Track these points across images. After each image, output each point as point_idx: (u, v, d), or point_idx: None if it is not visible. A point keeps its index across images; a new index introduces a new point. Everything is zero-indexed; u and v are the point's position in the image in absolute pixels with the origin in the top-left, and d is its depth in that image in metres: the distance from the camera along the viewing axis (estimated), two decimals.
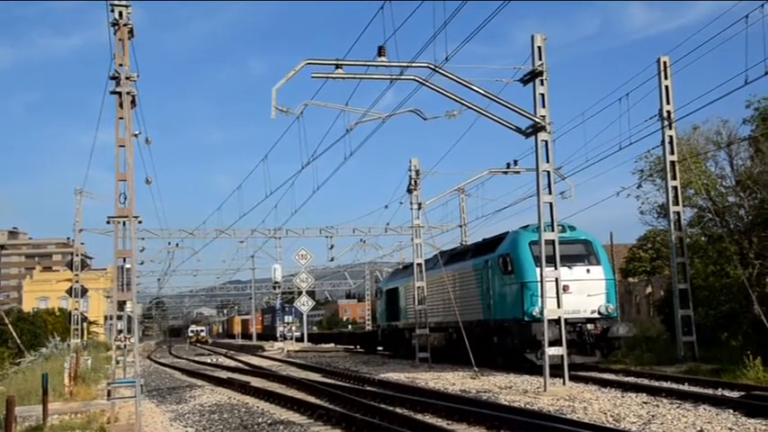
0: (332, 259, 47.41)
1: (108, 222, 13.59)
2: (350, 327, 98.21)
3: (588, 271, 21.68)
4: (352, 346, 45.98)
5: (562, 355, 16.81)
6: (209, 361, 40.58)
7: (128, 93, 12.88)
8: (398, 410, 14.04)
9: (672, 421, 11.56)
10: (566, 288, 19.12)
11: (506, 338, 22.38)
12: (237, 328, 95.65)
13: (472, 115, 18.02)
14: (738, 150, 25.46)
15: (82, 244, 41.45)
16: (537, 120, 17.17)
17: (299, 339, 53.88)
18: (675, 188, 23.66)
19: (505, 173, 30.40)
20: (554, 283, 17.18)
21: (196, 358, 45.87)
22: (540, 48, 17.26)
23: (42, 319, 51.36)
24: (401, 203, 31.61)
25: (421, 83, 17.32)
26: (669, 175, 23.57)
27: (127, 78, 12.88)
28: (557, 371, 16.90)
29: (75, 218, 38.70)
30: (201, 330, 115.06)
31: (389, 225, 42.68)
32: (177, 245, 44.62)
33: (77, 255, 39.93)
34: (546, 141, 17.38)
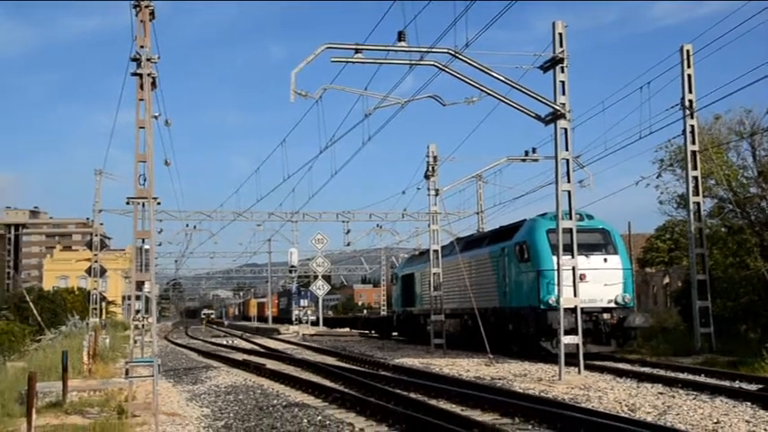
0: (348, 244, 47.56)
1: (127, 203, 13.66)
2: (365, 312, 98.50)
3: (605, 260, 21.59)
4: (367, 331, 46.13)
5: (577, 344, 16.78)
6: (224, 343, 40.90)
7: (148, 74, 12.91)
8: (413, 395, 14.08)
9: (688, 412, 11.52)
10: (582, 277, 19.07)
11: (522, 326, 22.37)
12: (253, 311, 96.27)
13: (491, 102, 17.94)
14: (761, 141, 25.18)
15: (101, 224, 41.93)
16: (557, 107, 17.05)
17: (315, 323, 54.12)
18: (696, 178, 23.45)
19: (524, 160, 30.26)
20: (571, 272, 17.12)
21: (212, 340, 46.25)
22: (560, 35, 17.12)
23: (62, 297, 51.98)
24: (418, 189, 31.61)
25: (440, 68, 17.24)
26: (690, 165, 23.36)
27: (148, 60, 12.90)
28: (572, 360, 16.87)
29: (95, 198, 39.03)
30: (212, 313, 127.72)
31: (406, 211, 42.66)
32: (195, 227, 44.87)
33: (97, 235, 40.38)
34: (565, 129, 17.27)
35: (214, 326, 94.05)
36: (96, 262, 39.70)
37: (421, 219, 42.02)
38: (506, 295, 23.58)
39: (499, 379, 17.01)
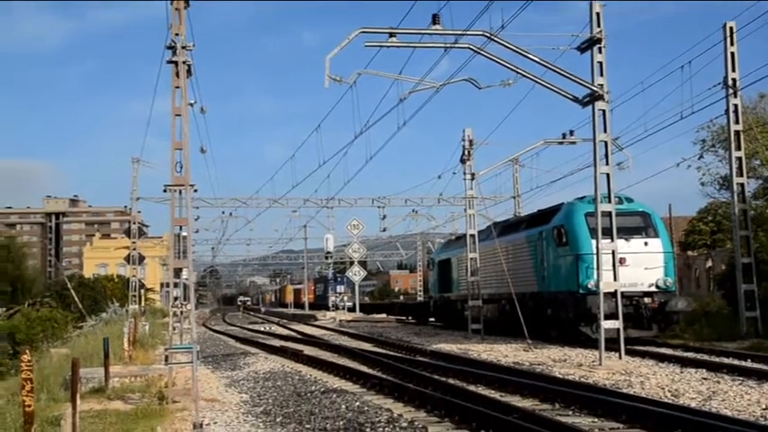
0: (384, 229, 47.43)
1: (164, 190, 13.78)
2: (401, 297, 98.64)
3: (646, 243, 21.31)
4: (403, 317, 46.24)
5: (618, 329, 16.60)
6: (262, 329, 41.32)
7: (184, 62, 12.98)
8: (451, 381, 14.08)
9: (734, 398, 11.32)
10: (622, 261, 18.83)
11: (560, 311, 22.22)
12: (290, 298, 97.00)
13: (527, 84, 17.75)
14: None
15: (139, 212, 42.58)
16: (594, 88, 16.80)
17: (351, 309, 54.40)
18: (740, 159, 22.97)
19: (561, 143, 29.91)
20: (610, 256, 16.92)
21: (249, 326, 46.74)
22: (597, 14, 16.83)
23: (102, 284, 52.97)
24: (454, 174, 31.44)
25: (476, 51, 17.07)
26: (733, 146, 22.88)
27: (183, 48, 12.97)
28: (612, 345, 16.71)
29: (133, 186, 39.53)
30: (248, 300, 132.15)
31: (442, 196, 42.38)
32: (231, 214, 45.27)
33: (135, 223, 40.93)
34: (603, 111, 17.01)
35: (251, 312, 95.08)
36: (135, 249, 40.31)
37: (457, 203, 41.74)
38: (545, 280, 23.44)
39: (538, 364, 16.92)
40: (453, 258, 34.08)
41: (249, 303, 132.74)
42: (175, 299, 15.27)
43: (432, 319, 38.98)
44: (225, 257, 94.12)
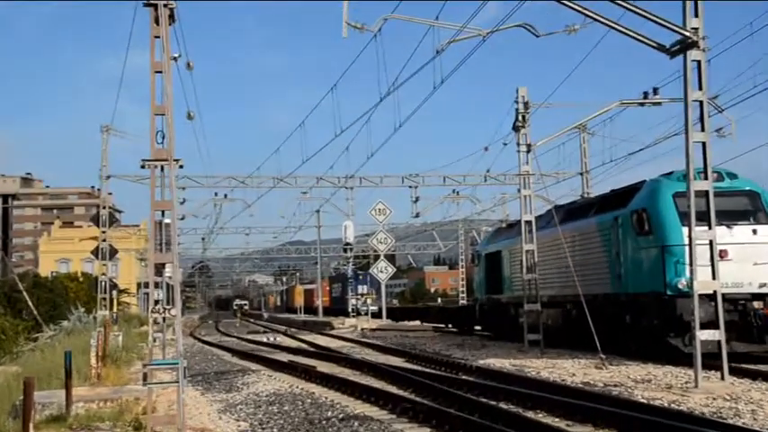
0: (417, 215, 47.59)
1: (142, 167, 13.84)
2: (439, 300, 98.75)
3: (755, 232, 21.04)
4: (442, 325, 46.25)
5: (719, 342, 16.41)
6: (264, 340, 41.56)
7: (165, 5, 12.98)
8: (503, 406, 14.04)
9: None
10: (723, 254, 18.62)
11: (642, 317, 22.07)
12: (299, 301, 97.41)
13: (598, 31, 17.53)
14: None
15: (110, 194, 42.74)
16: (687, 33, 16.51)
17: (376, 315, 54.51)
18: None
19: (642, 104, 29.52)
20: (707, 248, 16.72)
21: (249, 337, 47.04)
22: None
23: (63, 285, 53.27)
24: (505, 145, 31.29)
25: None
26: None
27: None
28: (711, 361, 16.53)
29: (102, 162, 39.73)
30: (246, 303, 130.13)
31: (489, 172, 42.38)
32: (226, 196, 45.64)
33: (105, 207, 40.88)
34: (698, 62, 16.72)
35: (251, 319, 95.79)
36: (105, 241, 40.40)
37: (508, 182, 41.63)
38: (621, 278, 23.29)
39: (614, 386, 16.81)
40: (504, 251, 33.98)
41: (247, 308, 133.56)
42: (156, 302, 15.33)
43: (478, 328, 38.94)
44: (218, 251, 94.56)
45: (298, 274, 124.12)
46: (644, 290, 22.03)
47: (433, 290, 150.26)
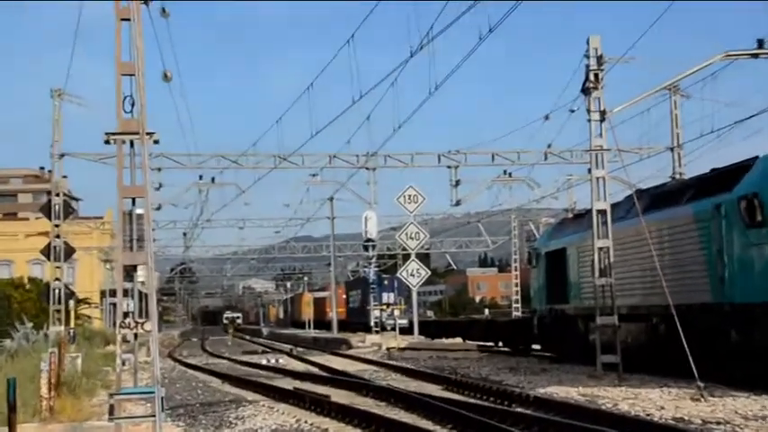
0: (457, 203, 47.51)
1: (107, 142, 13.88)
2: (486, 312, 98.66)
3: None
4: (490, 343, 46.13)
5: None
6: (264, 362, 41.61)
7: None
8: None
9: None
10: None
11: (753, 334, 21.90)
12: (308, 312, 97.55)
13: None
14: None
15: (64, 177, 42.33)
16: None
17: (406, 330, 54.44)
18: None
19: (755, 57, 29.01)
20: None
21: (244, 358, 47.14)
22: None
23: (4, 294, 53.09)
24: (572, 112, 31.06)
25: None
26: None
27: None
28: None
29: (54, 136, 39.50)
30: (238, 316, 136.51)
31: (551, 149, 42.25)
32: (213, 180, 45.67)
33: (58, 194, 40.46)
34: None
35: (246, 336, 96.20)
36: (58, 237, 40.02)
37: (576, 161, 41.55)
38: (724, 283, 23.11)
39: (717, 423, 16.68)
40: (570, 249, 33.81)
41: (241, 322, 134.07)
42: (126, 315, 15.36)
43: (536, 347, 38.81)
44: (204, 249, 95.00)
45: (306, 278, 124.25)
46: (755, 298, 21.80)
47: (478, 298, 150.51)
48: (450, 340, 50.21)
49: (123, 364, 17.24)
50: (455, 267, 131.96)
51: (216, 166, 43.18)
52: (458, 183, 43.97)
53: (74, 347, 32.75)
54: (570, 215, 42.75)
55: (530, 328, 39.02)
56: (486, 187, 49.17)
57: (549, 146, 41.34)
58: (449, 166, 43.55)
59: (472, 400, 21.48)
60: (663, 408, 18.99)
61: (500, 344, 44.89)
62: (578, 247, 32.63)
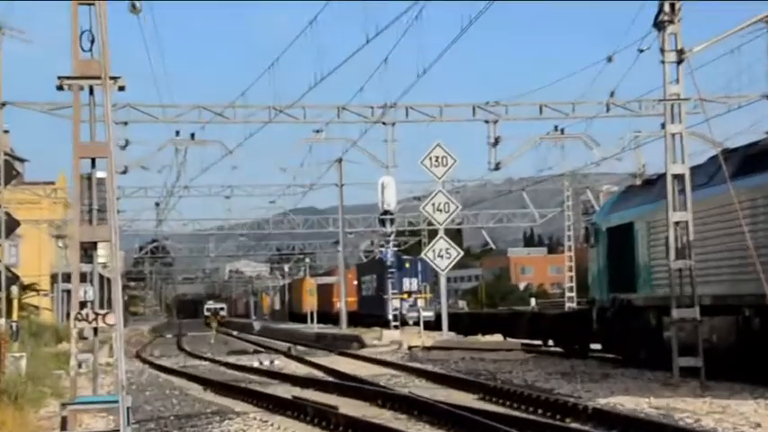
0: (496, 167, 47.35)
1: (59, 88, 13.80)
2: (533, 302, 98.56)
3: None
4: (537, 342, 46.17)
5: None
6: (255, 365, 41.67)
7: None
8: None
9: None
10: None
11: None
12: (310, 303, 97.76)
13: None
14: None
15: (6, 132, 42.51)
16: None
17: (433, 325, 54.51)
18: None
19: None
20: None
21: (231, 360, 47.23)
22: None
23: None
24: (641, 52, 30.79)
25: None
26: None
27: None
28: None
29: None
30: (222, 308, 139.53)
31: (613, 99, 42.01)
32: (193, 137, 45.60)
33: None
34: None
35: (233, 332, 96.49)
36: None
37: (646, 113, 41.33)
38: None
39: None
40: (638, 223, 33.65)
41: (225, 314, 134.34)
42: (83, 305, 15.32)
43: (596, 346, 38.75)
44: (182, 223, 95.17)
45: (307, 260, 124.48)
46: None
47: (522, 286, 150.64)
48: (488, 338, 50.27)
49: (80, 366, 17.24)
50: (494, 247, 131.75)
51: (196, 119, 43.17)
52: (497, 141, 43.88)
53: (17, 346, 32.73)
54: (638, 181, 42.62)
55: (587, 322, 38.91)
56: (532, 147, 49.05)
57: (612, 95, 41.08)
58: (486, 121, 43.47)
59: (515, 414, 21.38)
60: (759, 425, 18.89)
61: (550, 342, 44.90)
62: (649, 221, 32.45)
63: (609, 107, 41.77)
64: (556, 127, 46.18)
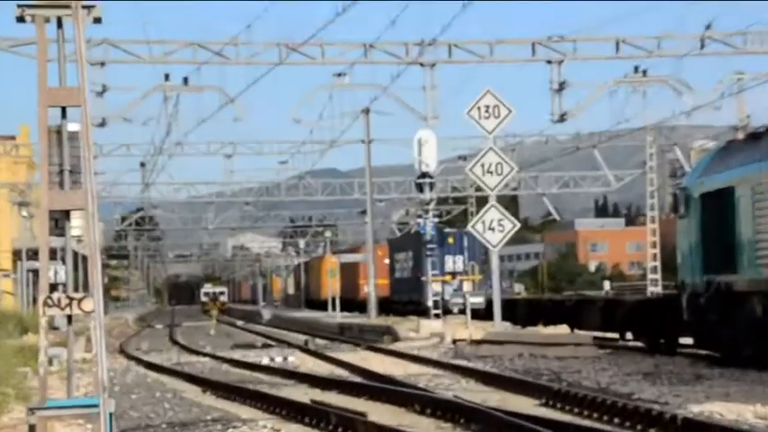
0: (561, 118, 47.21)
1: (20, 19, 13.82)
2: (606, 285, 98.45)
3: None
4: (613, 334, 46.20)
5: None
6: (265, 362, 41.84)
7: None
8: None
9: None
10: None
11: None
12: (331, 285, 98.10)
13: None
14: None
15: None
16: None
17: (481, 313, 54.59)
18: None
19: None
20: None
21: (236, 355, 47.45)
22: None
23: None
24: None
25: None
26: None
27: None
28: None
29: None
30: (222, 292, 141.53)
31: (710, 31, 41.83)
32: (186, 81, 45.61)
33: None
34: None
35: (238, 322, 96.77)
36: None
37: (751, 49, 41.13)
38: None
39: None
40: (741, 188, 33.50)
41: (226, 300, 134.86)
42: (53, 289, 15.37)
43: (686, 340, 38.69)
44: (174, 188, 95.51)
45: (328, 233, 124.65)
46: None
47: (593, 265, 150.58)
48: (551, 329, 50.33)
49: (50, 363, 17.35)
50: (558, 218, 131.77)
51: (190, 59, 43.15)
52: (562, 86, 43.77)
53: None
54: (741, 135, 42.41)
55: (675, 311, 38.86)
56: (605, 92, 48.89)
57: (708, 27, 40.87)
58: (548, 61, 43.39)
59: (586, 423, 21.42)
60: None
61: (628, 336, 44.88)
62: (754, 185, 32.31)
63: (704, 43, 41.48)
64: (636, 68, 46.03)
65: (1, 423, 21.88)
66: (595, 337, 45.40)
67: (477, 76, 55.41)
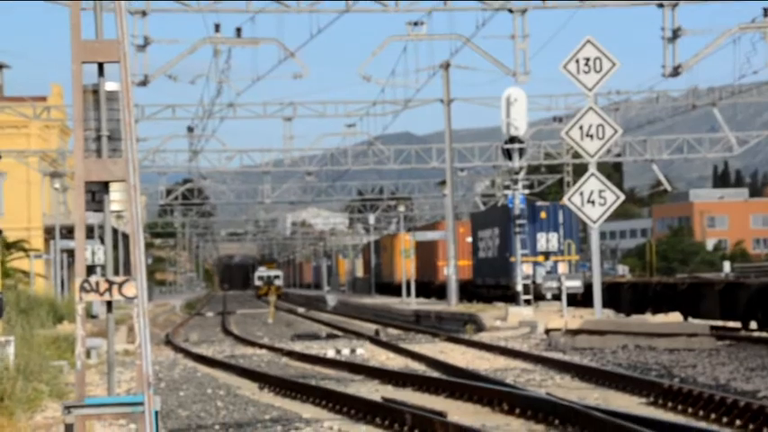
0: (675, 72, 47.13)
1: None
2: (727, 267, 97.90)
3: None
4: (734, 323, 46.05)
5: None
6: (330, 354, 42.03)
7: None
8: None
9: None
10: None
11: None
12: (405, 267, 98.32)
13: None
14: None
15: None
16: None
17: (579, 299, 54.59)
18: None
19: None
20: None
21: (296, 347, 47.64)
22: None
23: None
24: None
25: None
26: None
27: None
28: None
29: None
30: (278, 276, 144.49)
31: None
32: (239, 33, 45.80)
33: None
34: None
35: (299, 308, 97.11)
36: None
37: None
38: None
39: None
40: None
41: (281, 284, 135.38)
42: (91, 271, 15.60)
43: None
44: (225, 156, 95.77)
45: (401, 208, 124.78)
46: None
47: (710, 243, 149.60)
48: (661, 317, 50.28)
49: (88, 355, 17.64)
50: (669, 188, 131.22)
51: (243, 8, 43.35)
52: (676, 34, 43.63)
53: (0, 327, 33.33)
54: None
55: None
56: (727, 40, 48.66)
57: None
58: (660, 4, 43.23)
59: (701, 425, 21.38)
60: None
61: (752, 325, 44.73)
62: None
63: None
64: (766, 11, 45.73)
65: (34, 422, 22.18)
66: (713, 327, 45.31)
67: (574, 23, 55.23)
